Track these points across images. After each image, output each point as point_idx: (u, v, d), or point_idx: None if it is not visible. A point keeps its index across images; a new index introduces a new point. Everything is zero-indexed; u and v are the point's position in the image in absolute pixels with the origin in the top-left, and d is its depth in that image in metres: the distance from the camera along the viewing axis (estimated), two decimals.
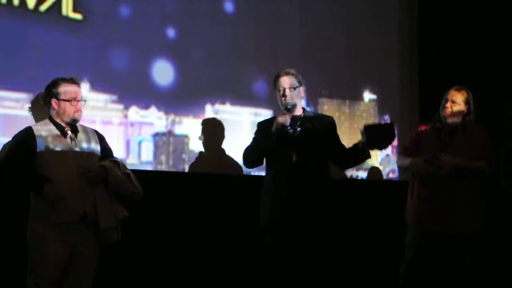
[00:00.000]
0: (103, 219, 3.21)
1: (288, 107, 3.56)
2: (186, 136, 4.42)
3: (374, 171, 5.22)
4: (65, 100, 3.28)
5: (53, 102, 3.29)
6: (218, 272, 4.35)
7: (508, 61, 5.37)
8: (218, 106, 4.54)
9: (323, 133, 3.62)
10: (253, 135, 3.73)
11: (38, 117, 3.58)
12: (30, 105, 3.68)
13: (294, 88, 3.59)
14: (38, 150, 3.20)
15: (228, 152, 4.48)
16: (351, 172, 5.03)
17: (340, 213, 3.63)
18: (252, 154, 3.64)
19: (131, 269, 4.09)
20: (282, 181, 3.52)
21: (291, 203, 3.49)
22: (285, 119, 3.50)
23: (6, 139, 3.58)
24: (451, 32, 5.52)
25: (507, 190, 4.24)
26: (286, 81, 3.60)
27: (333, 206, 3.59)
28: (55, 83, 3.32)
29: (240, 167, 4.38)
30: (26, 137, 3.23)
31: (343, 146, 3.71)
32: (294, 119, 3.59)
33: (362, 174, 5.15)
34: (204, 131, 4.43)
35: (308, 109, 3.82)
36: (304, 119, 3.63)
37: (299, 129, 3.58)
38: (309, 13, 5.03)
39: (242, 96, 4.65)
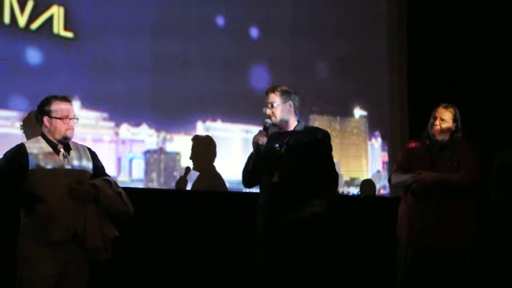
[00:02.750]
0: (90, 239, 3.17)
1: (266, 125, 3.53)
2: (177, 154, 4.45)
3: (366, 183, 5.25)
4: (58, 118, 3.24)
5: (45, 119, 3.26)
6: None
7: (495, 77, 5.44)
8: (209, 123, 4.57)
9: (309, 147, 3.54)
10: (243, 153, 3.76)
11: (29, 135, 3.57)
12: (21, 123, 3.69)
13: (276, 106, 3.53)
14: (30, 167, 3.16)
15: (218, 169, 4.49)
16: (342, 189, 5.04)
17: (328, 230, 3.55)
18: (244, 174, 3.62)
19: (123, 286, 4.09)
20: (264, 200, 3.51)
21: (271, 224, 3.46)
22: (260, 139, 3.47)
23: None
24: (440, 49, 5.59)
25: (497, 204, 4.27)
26: (268, 98, 3.57)
27: (316, 226, 3.48)
28: (47, 101, 3.28)
29: (224, 184, 4.44)
30: (17, 154, 3.19)
31: (329, 160, 3.60)
32: (285, 135, 3.56)
33: (353, 190, 5.17)
34: (194, 148, 4.43)
35: (302, 124, 3.71)
36: (293, 135, 3.57)
37: (284, 145, 3.53)
38: (300, 29, 5.08)
39: (233, 113, 4.67)
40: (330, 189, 3.62)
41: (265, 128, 3.52)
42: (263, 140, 3.48)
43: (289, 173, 3.46)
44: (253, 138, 3.52)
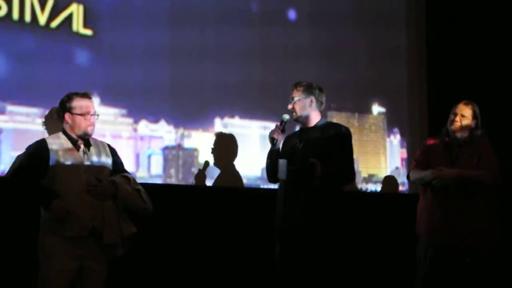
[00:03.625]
0: (107, 235, 3.21)
1: (284, 120, 3.55)
2: (195, 150, 4.46)
3: (388, 180, 5.25)
4: (79, 114, 3.30)
5: (67, 116, 3.31)
6: (225, 284, 4.36)
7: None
8: (227, 120, 4.59)
9: (326, 142, 3.52)
10: (261, 149, 3.77)
11: (50, 131, 3.64)
12: (44, 120, 3.75)
13: (297, 100, 3.55)
14: (50, 163, 3.22)
15: (237, 166, 4.49)
16: (360, 185, 5.05)
17: (347, 226, 3.54)
18: (267, 170, 3.64)
19: (141, 282, 4.12)
20: (280, 196, 3.54)
21: (286, 219, 3.48)
22: (274, 136, 3.52)
23: (17, 152, 3.66)
24: (460, 46, 5.55)
25: None
26: (292, 94, 3.60)
27: (332, 222, 3.46)
28: (69, 98, 3.33)
29: (240, 180, 4.44)
30: (39, 149, 3.25)
31: (344, 156, 3.55)
32: (307, 131, 3.58)
33: (372, 187, 5.17)
34: (214, 145, 4.45)
35: (325, 120, 3.72)
36: (313, 130, 3.58)
37: (302, 142, 3.55)
38: (318, 28, 5.08)
39: (251, 110, 4.69)
40: (342, 174, 3.54)
41: (281, 123, 3.54)
42: (276, 136, 3.51)
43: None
44: (269, 133, 3.56)
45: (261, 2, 4.88)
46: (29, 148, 3.30)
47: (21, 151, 3.52)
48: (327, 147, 3.50)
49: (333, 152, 3.49)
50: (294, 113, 3.58)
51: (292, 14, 5.01)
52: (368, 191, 5.14)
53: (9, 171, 3.63)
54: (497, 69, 5.48)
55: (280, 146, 3.62)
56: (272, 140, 3.53)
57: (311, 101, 3.58)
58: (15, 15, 3.84)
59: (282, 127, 3.54)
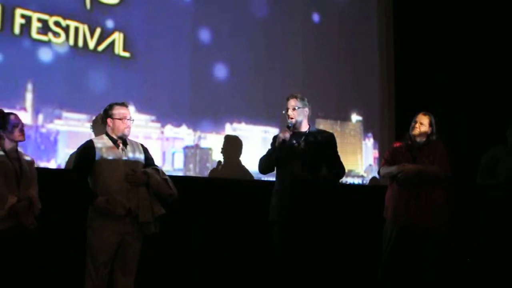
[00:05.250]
0: (142, 215, 3.24)
1: (289, 125, 3.55)
2: (209, 149, 4.42)
3: (374, 181, 5.27)
4: (118, 119, 3.36)
5: (109, 120, 3.38)
6: (233, 261, 4.32)
7: (468, 88, 5.41)
8: (235, 125, 4.56)
9: (322, 146, 3.56)
10: (262, 148, 3.71)
11: (96, 133, 3.70)
12: (91, 124, 3.80)
13: (297, 108, 3.55)
14: (96, 158, 3.28)
15: (243, 162, 4.49)
16: (345, 179, 5.02)
17: (334, 212, 3.58)
18: (263, 163, 3.63)
19: (166, 254, 4.09)
20: (287, 187, 3.48)
21: (294, 205, 3.46)
22: (285, 135, 3.48)
23: (71, 150, 3.70)
24: (422, 67, 5.56)
25: (479, 187, 4.28)
26: (290, 103, 3.59)
27: (328, 208, 3.52)
28: (110, 106, 3.42)
29: (251, 174, 4.39)
30: (87, 148, 3.32)
31: (336, 157, 3.65)
32: (300, 134, 3.57)
33: (350, 180, 5.14)
34: (225, 145, 4.43)
35: (314, 126, 3.72)
36: (308, 135, 3.59)
37: (302, 143, 3.54)
38: (310, 53, 5.08)
39: (255, 117, 4.67)
40: (339, 174, 3.64)
41: (288, 127, 3.54)
42: (287, 135, 3.49)
43: (309, 165, 3.49)
44: (280, 134, 3.51)
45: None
46: (80, 148, 3.35)
47: (73, 149, 3.58)
48: (323, 148, 3.55)
49: (330, 154, 3.56)
50: (293, 119, 3.56)
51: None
52: (348, 183, 5.12)
53: (68, 165, 3.66)
54: (454, 84, 5.49)
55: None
56: (284, 141, 3.48)
57: (306, 111, 3.61)
58: (71, 41, 3.86)
59: (291, 129, 3.54)
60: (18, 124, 3.19)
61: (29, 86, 3.67)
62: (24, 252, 3.12)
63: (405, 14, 5.64)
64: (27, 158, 3.29)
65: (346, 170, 3.90)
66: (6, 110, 3.24)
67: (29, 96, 3.66)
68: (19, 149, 3.28)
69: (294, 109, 3.55)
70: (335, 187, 3.58)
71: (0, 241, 3.04)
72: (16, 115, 3.22)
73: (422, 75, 5.56)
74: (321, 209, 3.48)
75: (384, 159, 4.08)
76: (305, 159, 3.48)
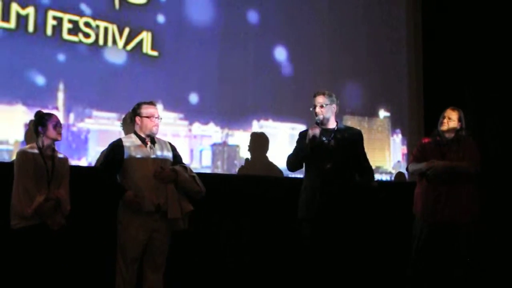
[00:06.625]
0: (171, 211, 3.26)
1: (317, 121, 3.53)
2: (237, 146, 4.43)
3: (399, 175, 5.23)
4: (146, 117, 3.39)
5: (137, 119, 3.42)
6: (261, 258, 4.33)
7: (496, 85, 5.31)
8: (262, 122, 4.56)
9: (351, 142, 3.55)
10: (290, 145, 3.67)
11: (125, 131, 3.74)
12: (121, 122, 3.84)
13: (325, 105, 3.53)
14: (125, 156, 3.32)
15: (270, 159, 4.49)
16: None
17: (363, 208, 3.57)
18: (292, 161, 3.59)
19: (194, 251, 4.12)
20: (317, 183, 3.46)
21: (324, 201, 3.44)
22: (314, 132, 3.45)
23: (101, 148, 3.75)
24: (450, 62, 5.47)
25: None
26: (318, 100, 3.56)
27: (358, 203, 3.50)
28: (139, 105, 3.45)
29: (280, 170, 4.39)
30: (116, 146, 3.37)
31: (364, 154, 3.64)
32: (328, 131, 3.55)
33: (378, 176, 5.08)
34: (252, 142, 4.44)
35: (342, 123, 3.68)
36: (337, 131, 3.57)
37: (332, 140, 3.54)
38: (337, 49, 5.06)
39: (281, 114, 4.66)
40: (370, 174, 3.64)
41: (317, 123, 3.53)
42: (317, 131, 3.45)
43: (340, 162, 3.48)
44: (311, 131, 3.45)
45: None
46: (109, 146, 3.39)
47: (103, 147, 3.58)
48: (352, 145, 3.54)
49: (356, 149, 3.56)
50: (321, 116, 3.54)
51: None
52: (376, 180, 5.06)
53: (98, 162, 3.71)
54: (483, 80, 5.39)
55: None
56: (314, 137, 3.44)
57: (334, 108, 3.59)
58: (101, 41, 3.90)
59: (319, 126, 3.52)
60: (57, 123, 3.27)
61: (61, 86, 3.73)
62: (47, 250, 3.16)
63: (434, 8, 5.58)
64: (61, 156, 3.34)
65: (374, 167, 3.86)
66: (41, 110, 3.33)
67: (60, 96, 3.72)
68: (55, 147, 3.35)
69: (322, 106, 3.53)
70: (374, 187, 3.59)
71: (24, 238, 3.11)
72: (55, 115, 3.31)
73: (451, 70, 5.47)
74: (351, 207, 3.47)
75: (413, 156, 4.05)
76: (335, 156, 3.48)
